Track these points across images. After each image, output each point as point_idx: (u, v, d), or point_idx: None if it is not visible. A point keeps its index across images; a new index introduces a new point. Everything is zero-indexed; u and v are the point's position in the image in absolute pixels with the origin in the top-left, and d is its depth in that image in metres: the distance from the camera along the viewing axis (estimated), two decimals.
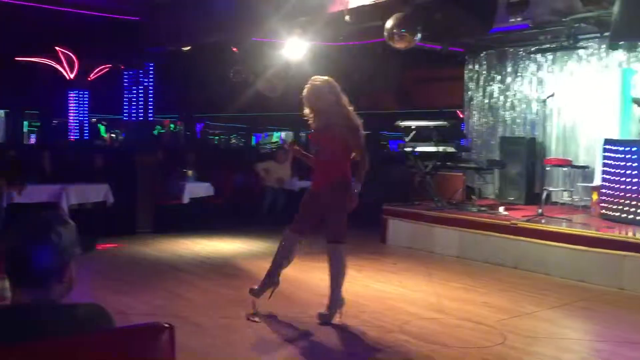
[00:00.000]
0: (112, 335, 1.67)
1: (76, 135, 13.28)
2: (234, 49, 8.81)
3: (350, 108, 4.82)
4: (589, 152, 9.13)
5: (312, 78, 4.89)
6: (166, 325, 1.69)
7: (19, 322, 1.59)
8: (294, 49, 8.65)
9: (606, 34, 7.84)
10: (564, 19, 7.71)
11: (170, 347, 1.67)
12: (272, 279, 5.01)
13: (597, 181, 8.23)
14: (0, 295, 2.17)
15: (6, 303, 2.13)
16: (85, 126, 13.67)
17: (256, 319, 4.85)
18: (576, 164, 8.90)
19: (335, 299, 4.84)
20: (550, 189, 9.05)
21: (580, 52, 9.20)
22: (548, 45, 9.16)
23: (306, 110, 4.89)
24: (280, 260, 5.01)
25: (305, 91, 4.85)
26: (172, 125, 25.21)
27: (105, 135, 21.53)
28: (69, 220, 1.74)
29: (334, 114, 4.76)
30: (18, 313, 1.63)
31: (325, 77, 4.88)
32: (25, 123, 19.31)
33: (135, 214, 9.32)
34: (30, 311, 1.61)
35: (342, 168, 4.79)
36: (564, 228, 7.05)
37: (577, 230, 6.93)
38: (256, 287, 5.03)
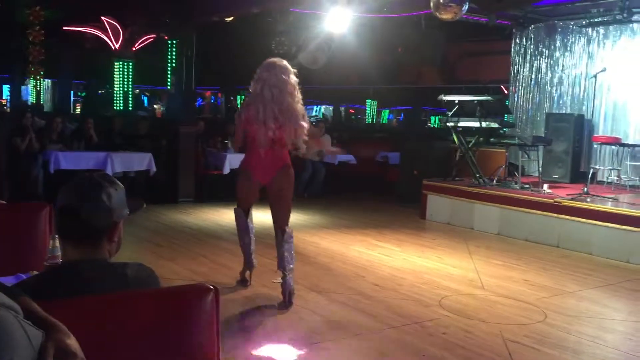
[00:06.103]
0: (159, 294, 1.71)
1: (120, 106, 13.48)
2: (277, 21, 8.74)
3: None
4: None
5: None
6: (211, 287, 1.71)
7: (70, 278, 1.63)
8: (337, 20, 8.53)
9: None
10: None
11: (214, 309, 1.70)
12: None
13: None
14: (52, 255, 2.23)
15: (57, 261, 2.20)
16: (130, 96, 13.87)
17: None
18: (626, 142, 8.63)
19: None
20: (597, 167, 8.83)
21: (634, 26, 8.83)
22: (600, 19, 8.83)
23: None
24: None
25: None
26: (213, 97, 25.39)
27: (155, 107, 21.80)
28: (118, 182, 1.77)
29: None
30: (69, 270, 1.66)
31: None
32: (71, 93, 19.67)
33: (177, 183, 9.50)
34: (80, 268, 1.64)
35: None
36: (610, 207, 6.87)
37: (624, 210, 6.75)
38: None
